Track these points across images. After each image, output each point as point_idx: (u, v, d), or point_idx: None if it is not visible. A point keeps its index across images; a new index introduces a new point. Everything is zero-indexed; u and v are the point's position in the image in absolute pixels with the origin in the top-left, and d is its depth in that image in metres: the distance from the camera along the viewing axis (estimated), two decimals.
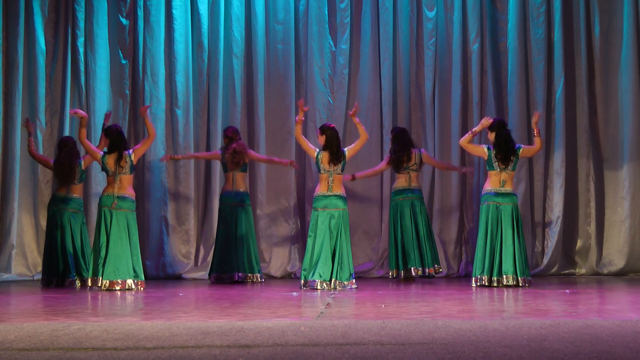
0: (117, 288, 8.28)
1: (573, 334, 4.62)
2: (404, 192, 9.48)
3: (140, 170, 10.14)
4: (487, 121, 8.55)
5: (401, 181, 9.51)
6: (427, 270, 9.38)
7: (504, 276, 8.30)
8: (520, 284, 8.28)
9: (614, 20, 10.24)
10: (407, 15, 10.42)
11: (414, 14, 10.43)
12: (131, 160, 8.53)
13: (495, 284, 8.31)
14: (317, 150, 8.51)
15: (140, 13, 10.35)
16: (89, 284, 8.41)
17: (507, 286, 8.26)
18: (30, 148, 9.33)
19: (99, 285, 8.32)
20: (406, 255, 9.36)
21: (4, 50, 10.21)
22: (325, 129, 8.52)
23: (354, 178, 9.50)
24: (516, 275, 8.30)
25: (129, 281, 8.36)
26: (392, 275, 9.48)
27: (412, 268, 9.33)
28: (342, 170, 8.50)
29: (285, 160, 9.75)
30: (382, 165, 9.65)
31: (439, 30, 10.43)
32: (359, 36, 10.48)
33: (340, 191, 8.46)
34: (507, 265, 8.31)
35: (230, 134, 9.54)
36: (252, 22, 10.46)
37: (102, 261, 8.35)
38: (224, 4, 10.40)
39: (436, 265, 9.48)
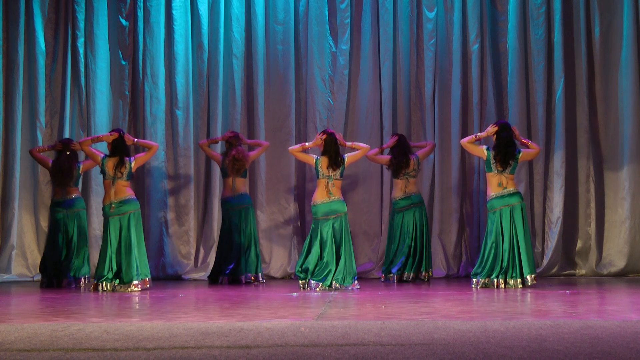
0: (138, 289, 8.30)
1: (573, 335, 4.63)
2: (402, 201, 9.50)
3: (140, 172, 10.13)
4: (493, 129, 8.56)
5: (399, 189, 9.52)
6: (422, 274, 9.41)
7: (524, 277, 8.31)
8: (531, 283, 8.31)
9: (614, 21, 10.23)
10: (407, 16, 10.41)
11: (414, 14, 10.43)
12: (130, 168, 8.52)
13: (510, 286, 8.31)
14: (315, 156, 8.55)
15: (140, 14, 10.35)
16: (100, 288, 8.37)
17: (519, 287, 8.30)
18: (37, 149, 9.33)
19: (117, 288, 8.31)
20: (399, 265, 9.39)
21: (4, 51, 10.22)
22: (324, 134, 8.56)
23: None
24: (531, 274, 8.34)
25: (146, 280, 8.42)
26: (382, 279, 9.54)
27: (405, 273, 9.37)
28: (341, 175, 8.52)
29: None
30: (380, 157, 9.60)
31: (439, 31, 10.43)
32: (359, 37, 10.48)
33: (339, 196, 8.47)
34: (525, 267, 8.33)
35: (230, 140, 9.52)
36: (252, 23, 10.45)
37: (117, 267, 8.35)
38: (224, 5, 10.40)
39: (430, 270, 9.52)
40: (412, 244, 9.43)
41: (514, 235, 8.41)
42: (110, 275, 8.35)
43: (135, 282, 8.34)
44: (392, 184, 9.81)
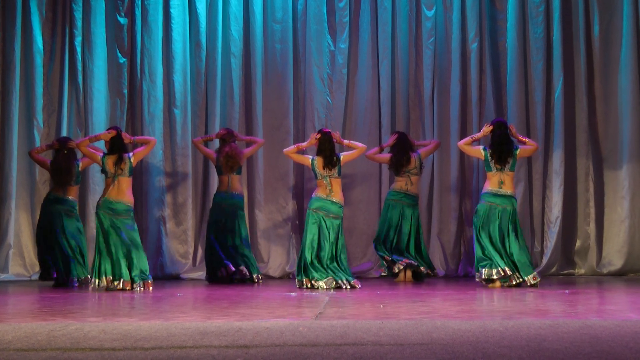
0: (127, 288, 8.30)
1: (572, 335, 4.61)
2: (399, 194, 9.47)
3: (138, 171, 10.10)
4: (488, 128, 8.56)
5: (400, 184, 9.49)
6: (423, 269, 9.38)
7: (515, 274, 8.29)
8: (529, 284, 8.27)
9: (613, 19, 10.21)
10: (406, 14, 10.40)
11: (412, 13, 10.41)
12: (130, 163, 8.52)
13: (510, 280, 8.29)
14: (311, 157, 8.55)
15: (138, 12, 10.33)
16: (93, 285, 8.35)
17: (513, 285, 8.27)
18: (35, 150, 9.33)
19: (108, 286, 8.28)
20: (392, 249, 9.38)
21: (1, 50, 10.20)
22: (318, 133, 8.57)
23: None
24: (521, 274, 8.30)
25: (136, 282, 8.39)
26: (383, 269, 9.62)
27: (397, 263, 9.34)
28: (339, 173, 8.51)
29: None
30: (379, 156, 9.58)
31: (438, 30, 10.41)
32: (357, 35, 10.46)
33: (338, 198, 8.46)
34: (511, 266, 8.31)
35: (224, 137, 9.49)
36: (250, 22, 10.43)
37: (105, 265, 8.33)
38: (222, 3, 10.37)
39: (429, 270, 9.46)
40: (400, 235, 9.38)
41: (499, 234, 8.38)
42: (109, 273, 8.34)
43: (137, 282, 8.37)
44: (392, 182, 9.77)
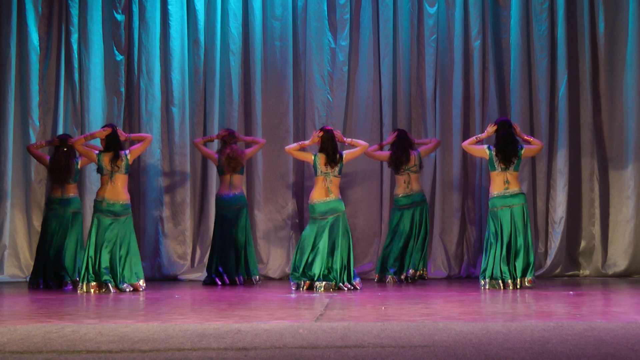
0: (128, 290, 8.27)
1: (577, 337, 4.59)
2: (403, 198, 9.43)
3: (135, 171, 10.06)
4: (492, 128, 8.52)
5: (400, 185, 9.45)
6: (411, 272, 9.32)
7: (518, 279, 8.25)
8: (527, 285, 8.24)
9: (618, 16, 10.15)
10: (407, 11, 10.35)
11: (414, 10, 10.36)
12: (127, 160, 8.50)
13: (509, 287, 8.24)
14: (314, 153, 8.51)
15: (135, 9, 10.28)
16: (86, 289, 8.27)
17: (517, 288, 8.23)
18: (34, 145, 9.29)
19: (101, 290, 8.23)
20: (394, 268, 9.34)
21: None
22: (321, 131, 8.54)
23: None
24: (525, 276, 8.26)
25: (136, 284, 8.37)
26: (376, 279, 9.51)
27: (401, 273, 9.31)
28: (340, 172, 8.47)
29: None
30: (379, 153, 9.53)
31: (440, 27, 10.35)
32: (358, 33, 10.41)
33: (337, 195, 8.42)
34: (520, 267, 8.26)
35: (225, 138, 9.43)
36: (250, 18, 10.38)
37: (97, 267, 8.28)
38: (221, 0, 10.33)
39: (424, 269, 9.41)
40: (408, 243, 9.35)
41: (513, 236, 8.34)
42: (106, 276, 8.28)
43: (134, 283, 8.33)
44: (393, 182, 9.75)
